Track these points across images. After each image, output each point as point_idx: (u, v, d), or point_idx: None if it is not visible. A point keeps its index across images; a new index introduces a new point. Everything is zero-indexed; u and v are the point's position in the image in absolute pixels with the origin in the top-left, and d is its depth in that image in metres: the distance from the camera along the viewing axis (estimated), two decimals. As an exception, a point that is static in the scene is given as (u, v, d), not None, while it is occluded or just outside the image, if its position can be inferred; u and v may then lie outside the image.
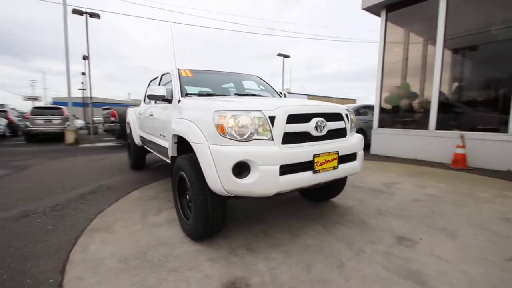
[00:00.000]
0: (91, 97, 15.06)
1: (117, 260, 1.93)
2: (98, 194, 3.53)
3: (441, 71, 5.53)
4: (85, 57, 13.79)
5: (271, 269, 1.79)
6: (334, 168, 2.08)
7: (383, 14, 6.46)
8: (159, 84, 3.52)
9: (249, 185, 1.74)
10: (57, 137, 10.27)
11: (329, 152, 2.03)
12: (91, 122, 14.52)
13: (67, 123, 10.31)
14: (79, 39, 14.22)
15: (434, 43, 5.58)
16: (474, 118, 5.41)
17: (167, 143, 2.80)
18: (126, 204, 3.13)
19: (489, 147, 4.85)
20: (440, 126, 5.64)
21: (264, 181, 1.74)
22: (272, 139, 1.84)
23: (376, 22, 6.75)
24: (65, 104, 11.59)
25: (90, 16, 12.02)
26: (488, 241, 2.17)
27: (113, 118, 8.50)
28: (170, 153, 2.64)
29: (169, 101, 2.77)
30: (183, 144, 2.40)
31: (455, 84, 6.08)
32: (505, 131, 4.75)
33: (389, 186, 3.77)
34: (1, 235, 2.34)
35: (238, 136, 1.79)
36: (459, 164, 5.00)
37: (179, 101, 2.58)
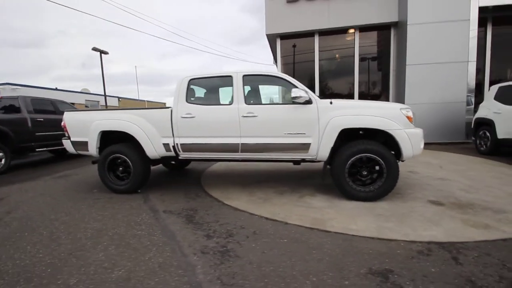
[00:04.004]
0: None
1: (374, 214, 2.57)
2: (201, 212, 2.86)
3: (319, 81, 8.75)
4: None
5: (424, 201, 3.31)
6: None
7: (278, 40, 8.80)
8: (247, 87, 3.43)
9: (422, 149, 3.14)
10: None
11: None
12: None
13: None
14: None
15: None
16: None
17: (308, 139, 3.20)
18: (263, 208, 3.02)
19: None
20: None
21: (423, 145, 3.22)
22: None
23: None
24: None
25: None
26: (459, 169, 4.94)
27: None
28: (321, 147, 3.14)
29: (309, 102, 3.18)
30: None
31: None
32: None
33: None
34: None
35: (413, 123, 3.11)
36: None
37: (331, 102, 3.16)
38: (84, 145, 3.87)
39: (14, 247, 2.29)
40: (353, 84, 8.50)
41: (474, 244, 2.12)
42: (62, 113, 7.40)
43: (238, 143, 3.39)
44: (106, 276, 1.82)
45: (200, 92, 3.81)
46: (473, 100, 7.15)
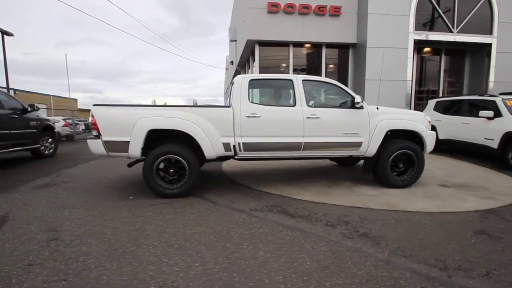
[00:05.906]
0: None
1: (419, 197, 3.36)
2: (288, 207, 3.02)
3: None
4: None
5: (436, 185, 4.35)
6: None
7: (257, 46, 9.15)
8: (303, 89, 3.71)
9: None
10: None
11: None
12: None
13: None
14: None
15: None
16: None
17: (360, 138, 3.78)
18: (334, 199, 3.40)
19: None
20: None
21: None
22: (425, 127, 4.33)
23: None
24: None
25: None
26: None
27: None
28: (371, 144, 3.76)
29: (361, 107, 3.74)
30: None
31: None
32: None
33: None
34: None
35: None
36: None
37: (377, 108, 3.80)
38: (122, 145, 3.35)
39: (146, 264, 1.97)
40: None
41: (500, 208, 3.11)
42: (3, 107, 5.82)
43: (301, 142, 3.66)
44: (299, 269, 1.89)
45: (257, 92, 3.88)
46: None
